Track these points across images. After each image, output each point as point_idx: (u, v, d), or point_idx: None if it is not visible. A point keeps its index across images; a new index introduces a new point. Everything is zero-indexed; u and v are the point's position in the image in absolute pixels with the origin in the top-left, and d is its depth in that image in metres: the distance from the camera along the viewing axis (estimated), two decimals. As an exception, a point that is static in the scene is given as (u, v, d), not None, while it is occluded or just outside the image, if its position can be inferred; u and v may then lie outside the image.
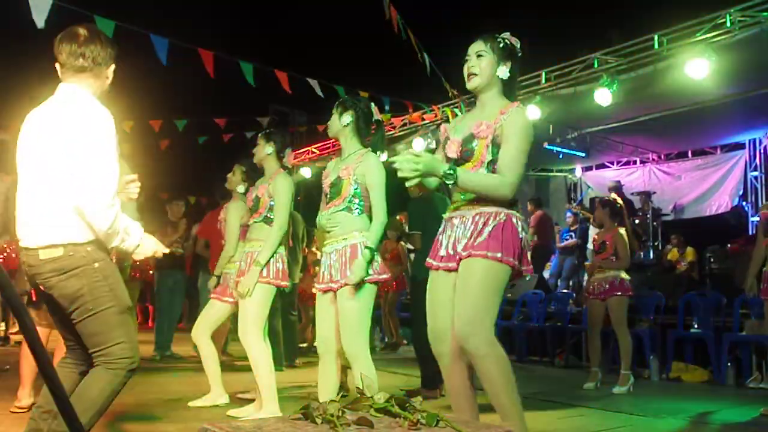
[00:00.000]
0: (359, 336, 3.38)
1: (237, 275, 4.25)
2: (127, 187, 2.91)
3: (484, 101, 2.90)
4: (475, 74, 2.85)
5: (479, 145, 2.77)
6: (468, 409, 2.82)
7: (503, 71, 2.85)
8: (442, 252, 2.85)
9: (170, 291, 7.66)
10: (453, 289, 2.79)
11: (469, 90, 2.92)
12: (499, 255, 2.66)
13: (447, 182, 2.65)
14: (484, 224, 2.72)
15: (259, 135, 4.44)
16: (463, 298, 2.69)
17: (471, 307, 2.65)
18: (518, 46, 2.92)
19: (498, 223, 2.71)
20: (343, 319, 3.39)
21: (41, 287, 2.61)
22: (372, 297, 3.43)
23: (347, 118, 3.56)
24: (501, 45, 2.86)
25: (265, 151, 4.33)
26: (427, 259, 2.94)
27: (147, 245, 2.71)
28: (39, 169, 2.58)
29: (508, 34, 2.91)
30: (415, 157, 2.58)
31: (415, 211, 5.42)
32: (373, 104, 3.66)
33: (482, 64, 2.84)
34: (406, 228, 5.91)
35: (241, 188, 4.96)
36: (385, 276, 3.44)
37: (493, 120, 2.77)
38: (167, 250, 2.87)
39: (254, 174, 4.87)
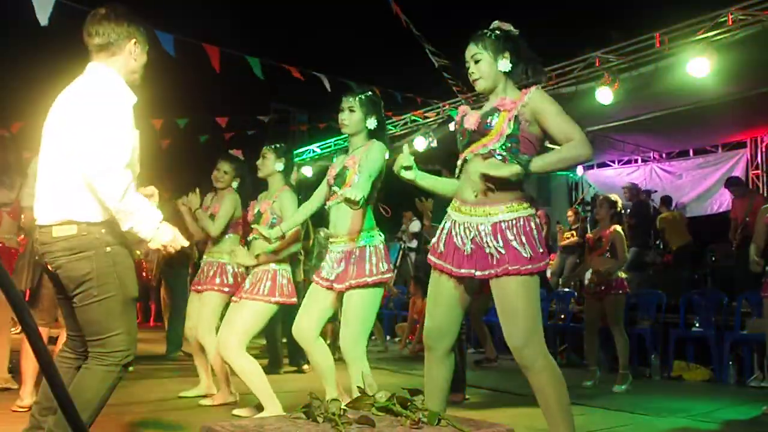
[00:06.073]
0: (359, 340, 3.37)
1: (243, 293, 4.14)
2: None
3: (497, 95, 2.82)
4: (478, 79, 2.81)
5: (501, 117, 2.70)
6: (440, 402, 2.79)
7: (504, 64, 2.77)
8: (450, 251, 2.78)
9: (185, 288, 7.65)
10: (457, 294, 2.79)
11: (480, 92, 2.90)
12: (529, 267, 2.62)
13: (527, 173, 2.57)
14: (508, 234, 2.65)
15: (267, 148, 4.31)
16: (511, 318, 2.64)
17: (522, 326, 2.61)
18: (511, 29, 2.83)
19: (522, 228, 2.65)
20: (346, 321, 3.39)
21: (49, 266, 2.57)
22: (378, 298, 3.42)
23: (373, 122, 3.53)
24: (492, 39, 2.79)
25: (275, 167, 4.26)
26: (429, 255, 2.88)
27: (165, 233, 2.60)
28: (56, 146, 2.58)
29: (496, 22, 2.84)
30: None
31: (439, 203, 5.29)
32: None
33: (481, 67, 2.79)
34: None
35: (234, 184, 4.90)
36: (389, 275, 3.43)
37: (518, 97, 2.73)
38: (186, 244, 2.72)
39: (242, 170, 4.88)
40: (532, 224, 2.68)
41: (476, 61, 2.80)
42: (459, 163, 2.84)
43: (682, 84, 7.16)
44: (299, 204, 4.03)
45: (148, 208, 2.57)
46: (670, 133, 10.29)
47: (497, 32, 2.81)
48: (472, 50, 2.81)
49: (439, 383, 2.83)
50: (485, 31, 2.82)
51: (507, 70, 2.78)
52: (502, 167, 2.58)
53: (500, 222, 2.66)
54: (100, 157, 2.45)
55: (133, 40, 2.70)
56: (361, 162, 3.43)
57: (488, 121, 2.72)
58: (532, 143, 2.71)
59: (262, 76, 7.21)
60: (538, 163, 2.59)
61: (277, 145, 4.33)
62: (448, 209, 2.87)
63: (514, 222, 2.66)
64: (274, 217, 4.15)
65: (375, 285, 3.38)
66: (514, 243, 2.63)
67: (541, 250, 2.66)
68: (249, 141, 10.81)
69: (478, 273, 2.69)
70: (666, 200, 9.88)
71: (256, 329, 4.10)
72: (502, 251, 2.63)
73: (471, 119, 2.78)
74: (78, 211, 2.51)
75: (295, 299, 4.16)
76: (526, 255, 2.62)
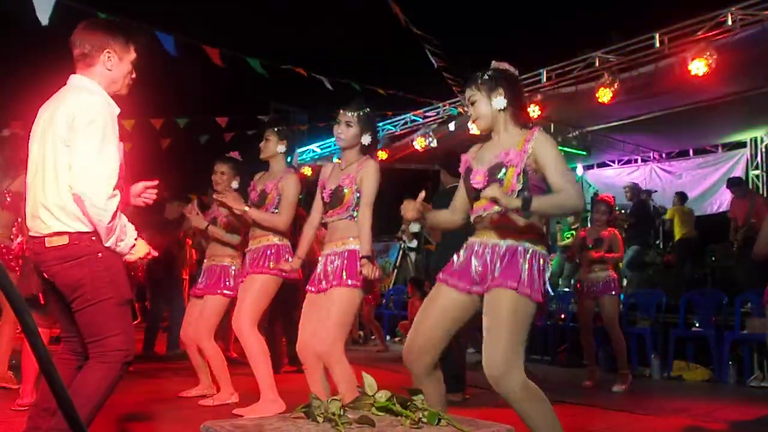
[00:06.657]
0: (336, 338, 3.34)
1: (249, 268, 4.22)
2: (145, 192, 2.94)
3: (498, 132, 2.82)
4: (476, 119, 2.82)
5: (509, 173, 2.67)
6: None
7: (498, 102, 2.76)
8: (459, 269, 2.77)
9: (173, 292, 7.66)
10: (456, 309, 2.76)
11: (480, 131, 2.90)
12: (529, 291, 2.57)
13: (523, 212, 2.52)
14: (518, 258, 2.63)
15: (269, 130, 4.36)
16: (494, 334, 2.59)
17: (502, 350, 2.56)
18: (506, 68, 2.83)
19: (531, 259, 2.63)
20: (325, 319, 3.38)
21: (45, 275, 2.63)
22: (358, 301, 3.44)
23: (368, 139, 3.54)
24: (483, 80, 2.79)
25: (277, 148, 4.31)
26: (440, 274, 2.84)
27: (140, 247, 2.75)
28: (44, 160, 2.61)
29: (493, 63, 2.85)
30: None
31: (439, 203, 5.33)
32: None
33: (477, 108, 2.80)
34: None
35: (234, 184, 4.88)
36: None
37: (520, 148, 2.68)
38: (156, 254, 2.91)
39: (240, 169, 4.89)
40: (543, 263, 2.65)
41: (472, 103, 2.82)
42: (473, 217, 2.82)
43: (682, 84, 7.16)
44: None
45: (127, 226, 2.67)
46: (670, 133, 10.30)
47: (490, 72, 2.82)
48: (468, 93, 2.84)
49: (433, 398, 2.76)
50: (478, 73, 2.84)
51: (502, 107, 2.77)
52: (507, 198, 2.51)
53: (517, 247, 2.65)
54: (87, 179, 2.50)
55: (107, 50, 2.67)
56: (358, 186, 3.44)
57: (497, 177, 2.69)
58: (540, 186, 2.69)
59: (264, 72, 7.24)
60: (535, 205, 2.52)
61: (279, 128, 4.36)
62: (469, 238, 2.84)
63: (530, 253, 2.64)
64: (279, 197, 4.20)
65: (358, 287, 3.39)
66: (520, 267, 2.60)
67: (542, 289, 2.61)
68: (249, 141, 10.81)
69: (475, 288, 2.68)
70: (681, 196, 9.92)
71: (264, 303, 4.21)
72: (505, 269, 2.62)
73: (478, 177, 2.75)
74: (68, 222, 2.57)
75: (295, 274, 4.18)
76: (527, 280, 2.58)
